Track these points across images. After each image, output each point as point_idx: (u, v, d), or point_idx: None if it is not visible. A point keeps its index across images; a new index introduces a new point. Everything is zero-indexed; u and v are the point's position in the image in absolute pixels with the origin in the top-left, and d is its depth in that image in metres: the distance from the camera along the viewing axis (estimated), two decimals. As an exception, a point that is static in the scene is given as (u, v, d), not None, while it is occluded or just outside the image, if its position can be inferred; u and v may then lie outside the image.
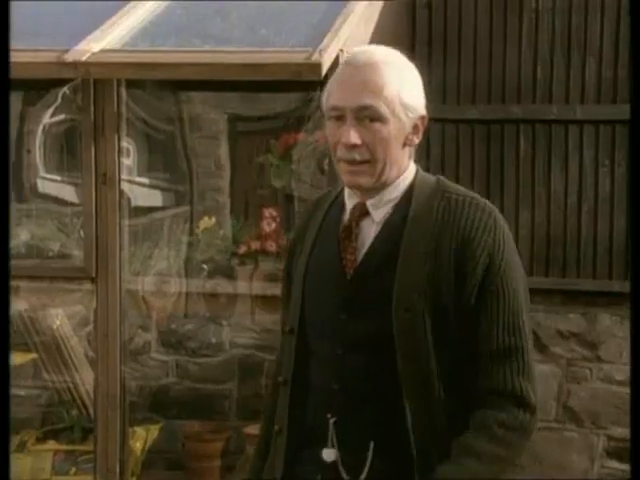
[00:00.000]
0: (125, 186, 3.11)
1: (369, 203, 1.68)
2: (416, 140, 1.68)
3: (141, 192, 4.39)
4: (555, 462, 3.72)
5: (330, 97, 1.65)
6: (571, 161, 3.72)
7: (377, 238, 1.67)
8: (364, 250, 1.67)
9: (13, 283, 3.27)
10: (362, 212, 1.69)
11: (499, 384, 1.59)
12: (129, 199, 3.48)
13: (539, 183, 3.75)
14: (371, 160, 1.63)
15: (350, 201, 1.71)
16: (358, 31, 2.98)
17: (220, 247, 3.57)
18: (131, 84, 2.98)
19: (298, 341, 1.71)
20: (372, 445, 1.60)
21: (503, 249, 1.62)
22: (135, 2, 3.26)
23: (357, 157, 1.63)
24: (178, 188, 4.49)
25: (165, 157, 4.60)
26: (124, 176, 3.08)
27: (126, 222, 3.06)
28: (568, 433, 3.77)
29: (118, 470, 3.00)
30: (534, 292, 3.74)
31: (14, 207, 3.99)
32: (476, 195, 1.69)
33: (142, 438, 3.43)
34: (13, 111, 4.10)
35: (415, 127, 1.67)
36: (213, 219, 3.65)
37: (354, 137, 1.61)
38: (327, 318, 1.68)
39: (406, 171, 1.69)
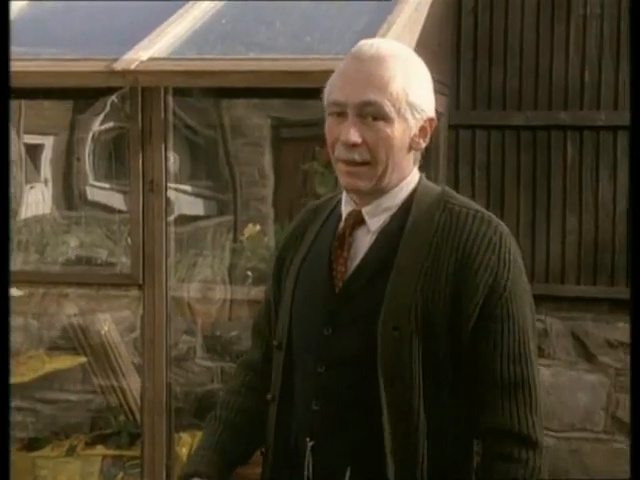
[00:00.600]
0: (170, 194, 3.14)
1: (365, 210, 1.55)
2: (423, 144, 1.55)
3: (185, 200, 4.42)
4: (604, 474, 3.65)
5: (332, 91, 1.51)
6: (620, 168, 3.66)
7: (371, 249, 1.53)
8: (356, 261, 1.54)
9: (62, 289, 3.34)
10: (357, 220, 1.56)
11: (502, 420, 1.47)
12: (174, 207, 3.50)
13: (587, 190, 3.70)
14: (371, 161, 1.49)
15: (346, 208, 1.58)
16: (403, 37, 2.96)
17: (264, 255, 3.57)
18: (178, 92, 3.01)
19: (286, 357, 1.59)
20: (349, 471, 1.51)
21: (509, 268, 1.48)
22: (181, 11, 3.30)
23: (356, 157, 1.49)
24: (221, 197, 4.49)
25: (208, 165, 4.62)
26: (170, 184, 3.10)
27: (172, 229, 3.08)
28: (617, 444, 3.70)
29: (164, 475, 3.02)
30: (582, 300, 3.77)
31: (64, 214, 4.06)
32: (484, 210, 1.54)
33: (188, 444, 3.44)
34: (64, 119, 4.17)
35: (422, 129, 1.53)
36: (258, 226, 3.66)
37: (354, 135, 1.47)
38: (312, 333, 1.56)
39: (408, 177, 1.56)
